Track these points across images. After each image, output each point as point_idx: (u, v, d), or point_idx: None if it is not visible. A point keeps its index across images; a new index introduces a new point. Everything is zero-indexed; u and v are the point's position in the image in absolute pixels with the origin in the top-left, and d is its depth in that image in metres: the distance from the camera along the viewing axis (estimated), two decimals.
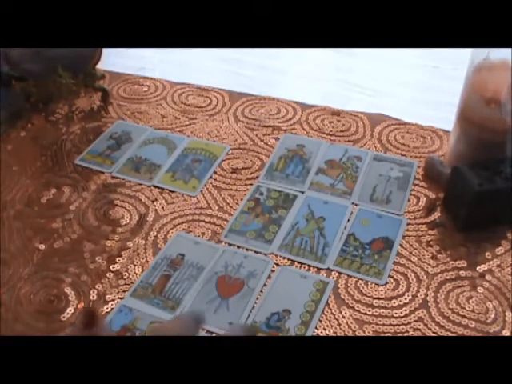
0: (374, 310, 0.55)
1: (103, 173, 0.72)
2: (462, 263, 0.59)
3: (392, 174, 0.69)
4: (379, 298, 0.56)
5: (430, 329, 0.54)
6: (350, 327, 0.54)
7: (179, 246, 0.62)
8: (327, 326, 0.54)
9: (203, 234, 0.63)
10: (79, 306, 0.56)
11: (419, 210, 0.65)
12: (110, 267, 0.60)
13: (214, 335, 0.54)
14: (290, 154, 0.73)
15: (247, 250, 0.61)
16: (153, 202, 0.67)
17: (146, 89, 0.86)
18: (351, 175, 0.69)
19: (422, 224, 0.63)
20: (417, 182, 0.68)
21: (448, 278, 0.58)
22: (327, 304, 0.56)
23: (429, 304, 0.56)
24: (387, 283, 0.58)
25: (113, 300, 0.57)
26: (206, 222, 0.65)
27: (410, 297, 0.56)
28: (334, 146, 0.74)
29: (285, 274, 0.59)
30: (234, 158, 0.73)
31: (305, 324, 0.54)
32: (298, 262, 0.60)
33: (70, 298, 0.57)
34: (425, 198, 0.66)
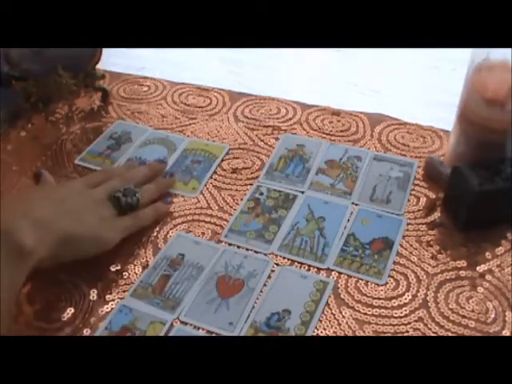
0: (374, 310, 0.55)
1: None
2: (462, 263, 0.59)
3: (392, 174, 0.69)
4: (379, 298, 0.56)
5: (430, 329, 0.54)
6: (349, 327, 0.54)
7: (179, 246, 0.62)
8: (327, 325, 0.54)
9: (203, 234, 0.63)
10: None
11: (419, 210, 0.65)
12: (110, 267, 0.60)
13: (214, 335, 0.54)
14: (290, 154, 0.73)
15: (247, 249, 0.61)
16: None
17: (146, 89, 0.86)
18: (351, 175, 0.69)
19: (422, 224, 0.63)
20: (417, 182, 0.68)
21: (448, 278, 0.58)
22: (327, 304, 0.56)
23: (429, 304, 0.56)
24: (387, 283, 0.58)
25: (113, 300, 0.57)
26: (206, 222, 0.65)
27: (410, 297, 0.56)
28: (334, 146, 0.74)
29: (285, 274, 0.59)
30: (233, 157, 0.73)
31: (305, 324, 0.54)
32: (298, 262, 0.60)
33: (69, 297, 0.57)
34: (425, 198, 0.66)
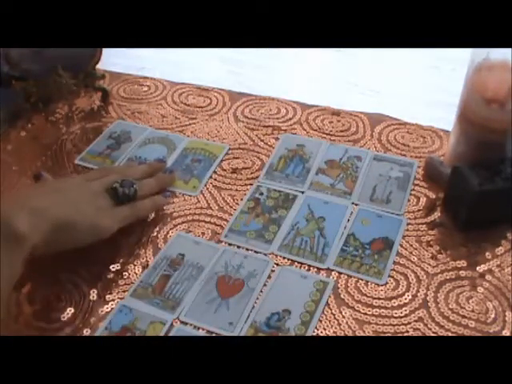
0: (374, 310, 0.55)
1: None
2: (462, 263, 0.59)
3: (392, 174, 0.69)
4: (379, 298, 0.56)
5: (430, 329, 0.54)
6: (350, 327, 0.54)
7: (179, 246, 0.62)
8: (327, 326, 0.54)
9: (203, 233, 0.63)
10: None
11: (419, 210, 0.65)
12: (110, 267, 0.60)
13: (214, 335, 0.54)
14: (290, 154, 0.73)
15: (247, 249, 0.61)
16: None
17: (146, 89, 0.86)
18: (351, 175, 0.69)
19: (422, 224, 0.63)
20: (417, 182, 0.68)
21: (448, 278, 0.58)
22: (327, 304, 0.56)
23: (429, 304, 0.56)
24: (387, 283, 0.58)
25: (113, 300, 0.57)
26: (206, 222, 0.65)
27: (410, 297, 0.56)
28: (334, 146, 0.74)
29: (285, 274, 0.59)
30: (233, 157, 0.73)
31: (305, 324, 0.54)
32: (298, 262, 0.60)
33: (69, 297, 0.57)
34: (425, 198, 0.66)
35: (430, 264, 0.59)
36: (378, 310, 0.55)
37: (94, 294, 0.57)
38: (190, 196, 0.68)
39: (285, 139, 0.75)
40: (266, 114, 0.80)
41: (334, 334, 0.53)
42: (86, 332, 0.54)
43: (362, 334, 0.53)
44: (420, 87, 0.84)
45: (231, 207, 0.66)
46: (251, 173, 0.71)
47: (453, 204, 0.63)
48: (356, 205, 0.66)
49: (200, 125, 0.79)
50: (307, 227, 0.63)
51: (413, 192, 0.67)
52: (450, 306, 0.55)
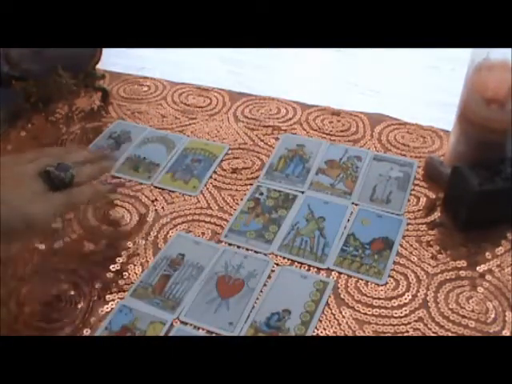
0: (374, 310, 0.55)
1: None
2: (462, 263, 0.59)
3: (392, 174, 0.69)
4: (379, 298, 0.56)
5: (430, 329, 0.54)
6: (350, 327, 0.54)
7: (179, 246, 0.62)
8: (327, 326, 0.54)
9: (203, 233, 0.63)
10: None
11: (419, 210, 0.65)
12: (110, 267, 0.60)
13: (214, 335, 0.54)
14: (290, 154, 0.73)
15: (247, 249, 0.61)
16: (153, 201, 0.67)
17: (146, 89, 0.86)
18: (351, 175, 0.69)
19: (422, 224, 0.63)
20: (417, 182, 0.68)
21: (448, 278, 0.58)
22: (327, 304, 0.56)
23: (429, 304, 0.56)
24: (387, 283, 0.58)
25: (113, 300, 0.57)
26: (206, 222, 0.65)
27: (410, 297, 0.56)
28: (334, 146, 0.74)
29: (285, 274, 0.59)
30: (233, 157, 0.73)
31: (305, 324, 0.54)
32: (298, 262, 0.60)
33: (69, 297, 0.57)
34: (425, 198, 0.66)
35: (430, 264, 0.59)
36: (377, 309, 0.55)
37: (94, 294, 0.58)
38: (190, 196, 0.68)
39: (285, 139, 0.75)
40: (266, 113, 0.80)
41: (334, 334, 0.53)
42: (86, 332, 0.54)
43: (362, 334, 0.53)
44: (420, 87, 0.84)
45: (231, 207, 0.66)
46: (251, 173, 0.71)
47: (453, 204, 0.63)
48: (356, 205, 0.66)
49: (200, 125, 0.79)
50: (307, 227, 0.63)
51: (413, 192, 0.67)
52: (450, 306, 0.55)
